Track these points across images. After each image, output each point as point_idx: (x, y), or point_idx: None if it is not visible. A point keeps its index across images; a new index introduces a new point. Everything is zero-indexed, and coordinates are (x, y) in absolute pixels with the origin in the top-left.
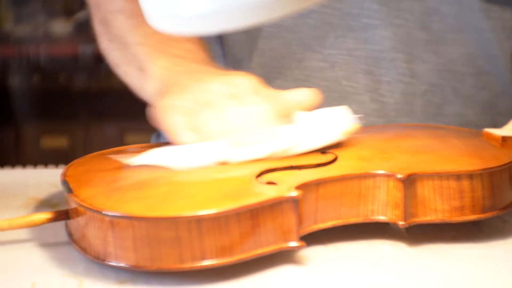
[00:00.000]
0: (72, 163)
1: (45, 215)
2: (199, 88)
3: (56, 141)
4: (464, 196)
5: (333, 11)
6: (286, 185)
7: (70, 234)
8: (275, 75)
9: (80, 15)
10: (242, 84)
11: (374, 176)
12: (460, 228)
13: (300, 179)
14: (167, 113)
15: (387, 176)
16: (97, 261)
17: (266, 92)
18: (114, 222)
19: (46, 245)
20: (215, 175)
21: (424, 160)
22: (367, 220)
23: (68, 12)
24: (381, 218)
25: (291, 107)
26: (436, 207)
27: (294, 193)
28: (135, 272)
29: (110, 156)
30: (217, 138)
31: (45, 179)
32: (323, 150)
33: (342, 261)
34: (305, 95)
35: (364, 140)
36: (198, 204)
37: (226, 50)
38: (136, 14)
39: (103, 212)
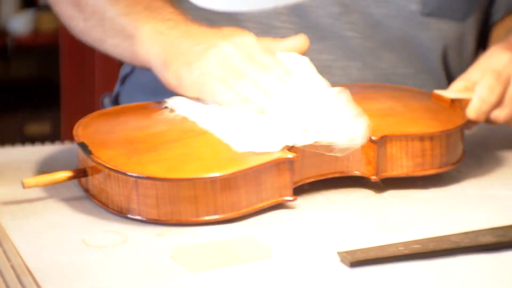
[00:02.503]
0: (78, 124)
1: (66, 173)
2: (215, 53)
3: None
4: (425, 154)
5: (292, 26)
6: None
7: (86, 190)
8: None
9: None
10: (248, 44)
11: None
12: (426, 178)
13: None
14: (207, 83)
15: None
16: (120, 215)
17: (267, 45)
18: (139, 182)
19: (67, 201)
20: (219, 137)
21: (391, 122)
22: (344, 174)
23: None
24: (356, 173)
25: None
26: (402, 163)
27: (290, 155)
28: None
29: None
30: (263, 107)
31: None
32: None
33: (328, 206)
34: (298, 41)
35: None
36: (210, 166)
37: None
38: None
39: (129, 174)
